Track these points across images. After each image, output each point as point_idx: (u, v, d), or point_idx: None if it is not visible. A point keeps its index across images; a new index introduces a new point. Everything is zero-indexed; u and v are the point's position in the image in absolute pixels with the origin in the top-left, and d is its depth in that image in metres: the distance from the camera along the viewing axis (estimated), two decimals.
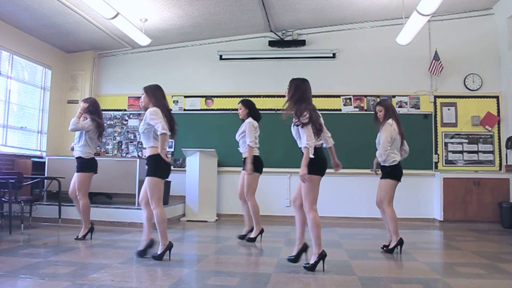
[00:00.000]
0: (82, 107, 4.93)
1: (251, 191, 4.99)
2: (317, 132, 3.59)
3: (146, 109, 3.99)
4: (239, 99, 7.91)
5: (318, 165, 3.54)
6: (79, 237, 4.89)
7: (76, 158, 4.94)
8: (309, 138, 3.48)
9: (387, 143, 4.37)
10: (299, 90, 3.69)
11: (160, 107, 3.93)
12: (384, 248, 4.47)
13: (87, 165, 4.91)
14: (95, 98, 5.34)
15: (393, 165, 4.41)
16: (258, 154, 5.03)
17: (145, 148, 4.02)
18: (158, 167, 3.85)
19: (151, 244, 3.96)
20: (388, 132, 4.39)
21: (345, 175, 6.59)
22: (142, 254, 3.93)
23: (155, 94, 4.04)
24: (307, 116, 3.52)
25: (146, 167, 3.92)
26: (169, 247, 3.86)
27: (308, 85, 3.75)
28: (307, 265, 3.58)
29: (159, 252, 3.85)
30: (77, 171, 4.91)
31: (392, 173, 4.42)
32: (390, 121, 4.45)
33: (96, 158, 5.04)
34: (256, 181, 5.03)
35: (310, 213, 3.55)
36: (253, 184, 4.99)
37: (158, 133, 3.75)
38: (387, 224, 4.49)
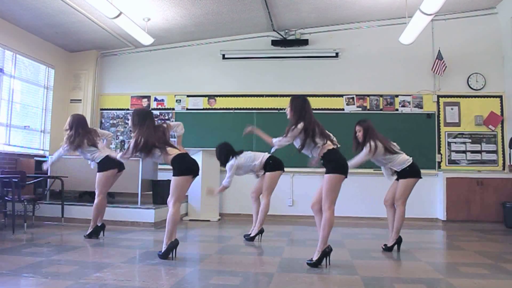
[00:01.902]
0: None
1: (269, 190, 5.08)
2: (321, 135, 3.69)
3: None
4: (241, 98, 8.05)
5: (342, 165, 3.63)
6: (86, 235, 4.96)
7: None
8: (283, 141, 3.76)
9: (364, 159, 4.40)
10: (299, 109, 3.76)
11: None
12: (384, 247, 4.48)
13: (99, 166, 4.94)
14: (76, 115, 5.31)
15: (410, 164, 4.41)
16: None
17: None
18: (179, 166, 3.91)
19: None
20: (367, 154, 4.39)
21: (348, 174, 6.61)
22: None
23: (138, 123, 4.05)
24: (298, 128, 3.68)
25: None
26: (172, 245, 3.86)
27: (307, 103, 3.81)
28: (310, 262, 3.61)
29: (162, 251, 3.86)
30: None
31: (412, 172, 4.42)
32: (368, 145, 4.39)
33: (109, 156, 4.94)
34: (275, 180, 5.11)
35: (327, 212, 3.58)
36: (273, 183, 5.10)
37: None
38: (391, 223, 4.50)
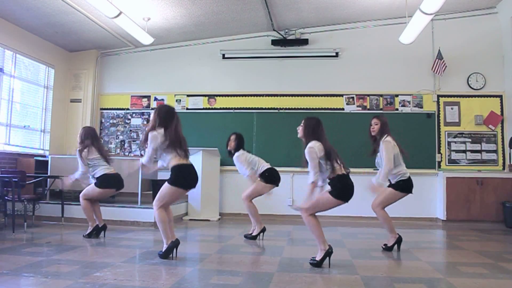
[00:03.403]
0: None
1: (252, 195, 5.15)
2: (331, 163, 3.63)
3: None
4: (241, 98, 8.04)
5: (346, 192, 3.64)
6: (85, 235, 4.98)
7: None
8: (314, 173, 3.58)
9: (391, 163, 4.29)
10: (313, 130, 3.72)
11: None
12: (384, 247, 4.49)
13: (98, 182, 4.94)
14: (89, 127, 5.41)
15: (405, 179, 4.40)
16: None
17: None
18: (179, 177, 3.87)
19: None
20: (390, 150, 4.32)
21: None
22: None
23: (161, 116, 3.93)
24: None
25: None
26: (173, 245, 3.85)
27: (321, 125, 3.76)
28: (313, 262, 3.62)
29: (163, 251, 3.86)
30: None
31: (405, 187, 4.41)
32: (389, 138, 4.40)
33: (107, 174, 4.97)
34: (262, 190, 5.15)
35: (307, 218, 3.66)
36: (258, 191, 5.16)
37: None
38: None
